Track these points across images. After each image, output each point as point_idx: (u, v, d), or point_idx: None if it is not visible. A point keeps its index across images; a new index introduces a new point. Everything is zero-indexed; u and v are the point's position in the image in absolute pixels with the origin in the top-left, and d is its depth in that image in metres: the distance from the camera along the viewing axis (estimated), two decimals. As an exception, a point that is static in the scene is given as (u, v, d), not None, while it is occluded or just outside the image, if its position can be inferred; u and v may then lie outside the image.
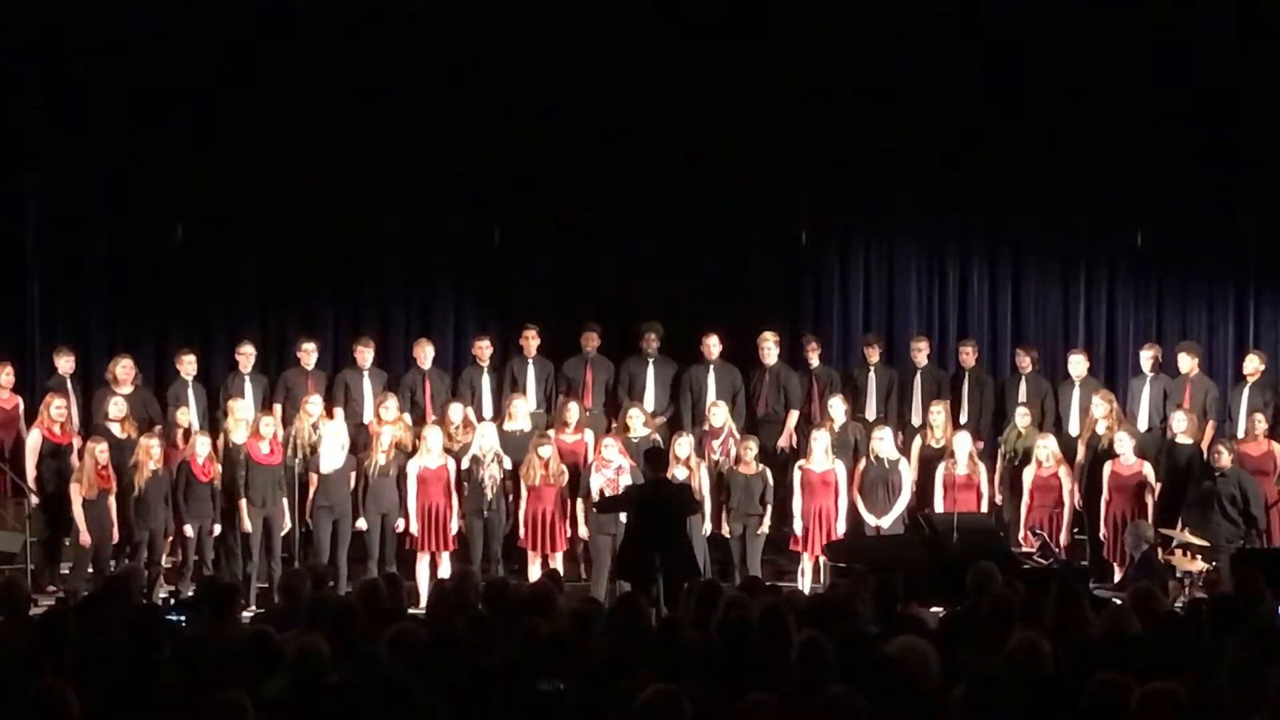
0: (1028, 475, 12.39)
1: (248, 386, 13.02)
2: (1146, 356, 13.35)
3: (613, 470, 11.96)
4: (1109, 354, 14.72)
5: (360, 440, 12.66)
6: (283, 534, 12.21)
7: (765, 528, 12.33)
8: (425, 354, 13.43)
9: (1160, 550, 11.43)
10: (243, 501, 12.03)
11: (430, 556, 12.21)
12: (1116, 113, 14.36)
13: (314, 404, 12.57)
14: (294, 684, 6.10)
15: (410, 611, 8.94)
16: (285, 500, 12.17)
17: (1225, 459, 11.86)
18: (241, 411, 12.46)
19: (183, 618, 8.28)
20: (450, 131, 14.25)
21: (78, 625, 7.04)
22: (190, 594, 10.64)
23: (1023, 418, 12.82)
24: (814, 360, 13.59)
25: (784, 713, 5.39)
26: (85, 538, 11.63)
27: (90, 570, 11.73)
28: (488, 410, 13.29)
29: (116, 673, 6.05)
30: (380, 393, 12.94)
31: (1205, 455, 12.27)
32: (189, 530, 11.89)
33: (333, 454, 12.22)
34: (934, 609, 9.17)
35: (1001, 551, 10.80)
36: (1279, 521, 12.25)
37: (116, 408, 12.26)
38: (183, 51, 13.79)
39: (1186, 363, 13.19)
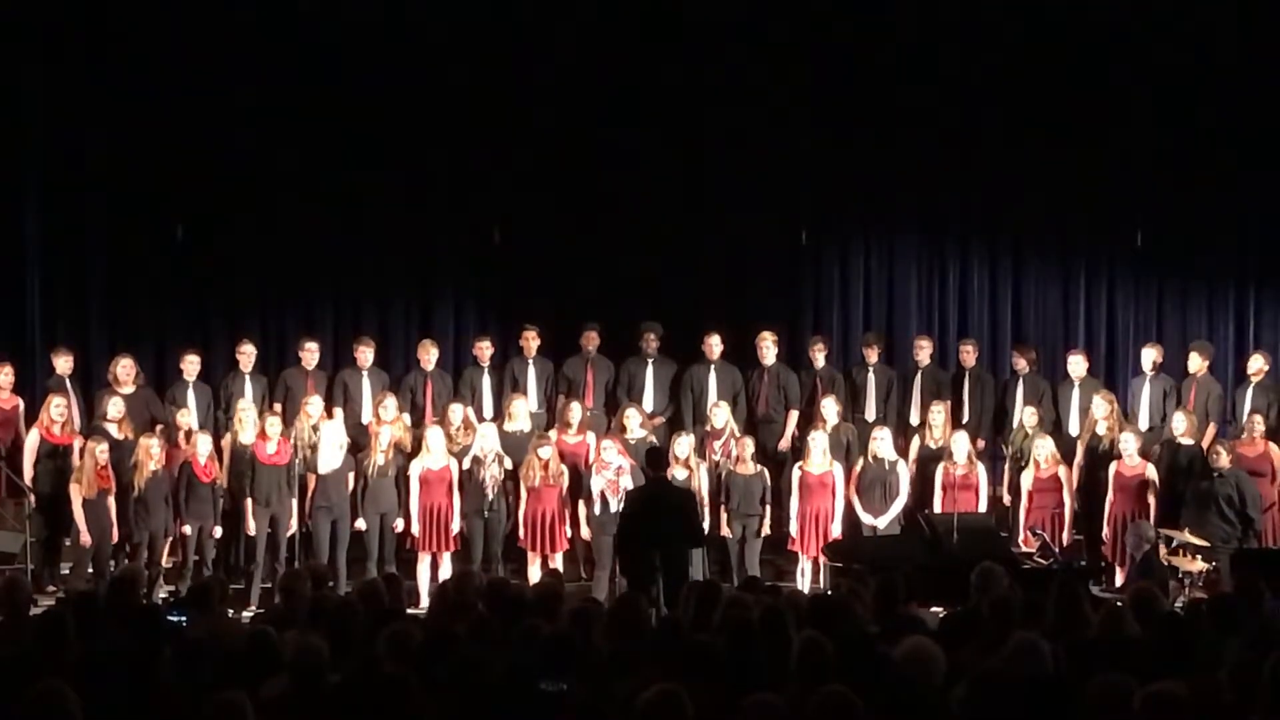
0: (1026, 477, 12.38)
1: (248, 386, 13.02)
2: (1148, 356, 13.34)
3: (613, 471, 11.95)
4: (1109, 354, 14.72)
5: (360, 440, 12.66)
6: (289, 535, 12.22)
7: (765, 528, 12.34)
8: (429, 356, 13.40)
9: (1161, 550, 11.42)
10: (248, 502, 12.04)
11: (431, 557, 12.21)
12: (1117, 112, 14.36)
13: (314, 404, 12.57)
14: (294, 684, 6.10)
15: (410, 612, 8.94)
16: (294, 500, 12.18)
17: (1224, 459, 11.85)
18: (248, 411, 12.46)
19: (183, 618, 8.27)
20: (450, 131, 14.26)
21: (78, 625, 7.04)
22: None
23: (1030, 418, 12.79)
24: (819, 361, 13.54)
25: (784, 713, 5.39)
26: (85, 538, 11.63)
27: (90, 570, 11.73)
28: (488, 411, 13.28)
29: (116, 673, 6.05)
30: (380, 393, 12.94)
31: (1205, 455, 12.27)
32: (187, 530, 11.89)
33: (330, 454, 12.22)
34: (934, 609, 9.16)
35: (1001, 551, 10.79)
36: (1277, 523, 12.25)
37: (114, 408, 12.25)
38: (182, 51, 13.79)
39: (1196, 362, 13.17)
